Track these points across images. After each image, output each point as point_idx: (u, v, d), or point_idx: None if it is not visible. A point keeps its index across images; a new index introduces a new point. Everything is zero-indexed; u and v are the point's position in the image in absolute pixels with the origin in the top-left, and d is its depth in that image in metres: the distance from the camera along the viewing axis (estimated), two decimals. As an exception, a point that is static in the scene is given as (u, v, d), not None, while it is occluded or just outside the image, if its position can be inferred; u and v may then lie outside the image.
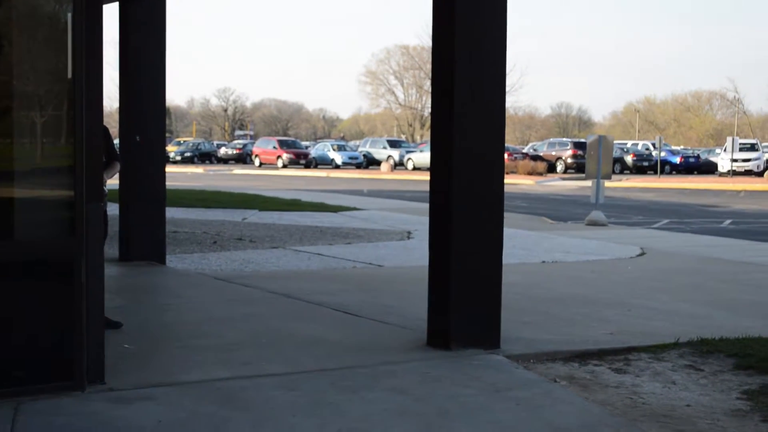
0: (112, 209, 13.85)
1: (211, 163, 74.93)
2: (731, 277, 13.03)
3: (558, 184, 47.83)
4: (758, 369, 7.39)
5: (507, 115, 8.43)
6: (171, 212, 16.55)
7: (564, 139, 70.92)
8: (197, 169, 61.12)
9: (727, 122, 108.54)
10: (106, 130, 7.83)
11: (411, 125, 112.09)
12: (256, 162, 68.82)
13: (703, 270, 13.84)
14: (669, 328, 8.91)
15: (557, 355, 7.81)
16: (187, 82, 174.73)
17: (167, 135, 70.50)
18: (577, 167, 55.80)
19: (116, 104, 15.85)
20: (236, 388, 6.46)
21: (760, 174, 52.76)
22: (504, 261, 8.11)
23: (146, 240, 12.63)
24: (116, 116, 13.84)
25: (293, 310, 9.49)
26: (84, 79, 6.23)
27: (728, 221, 24.94)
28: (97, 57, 6.38)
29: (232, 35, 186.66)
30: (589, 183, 24.08)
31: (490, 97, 7.89)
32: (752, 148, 57.75)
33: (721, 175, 55.06)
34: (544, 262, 14.46)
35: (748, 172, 54.64)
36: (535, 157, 59.21)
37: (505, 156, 58.96)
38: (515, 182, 46.31)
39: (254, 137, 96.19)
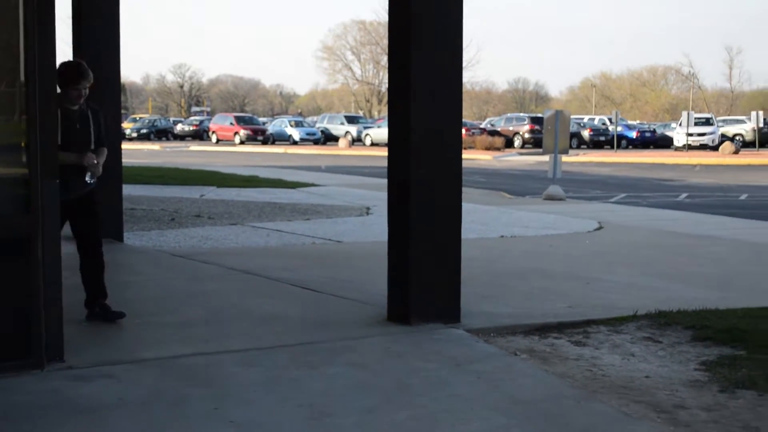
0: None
1: (168, 139, 74.42)
2: (688, 250, 13.16)
3: (516, 159, 48.00)
4: (715, 340, 7.47)
5: (464, 90, 8.44)
6: (128, 189, 16.40)
7: (521, 114, 71.16)
8: (154, 146, 60.67)
9: (682, 97, 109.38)
10: (97, 112, 7.80)
11: (368, 101, 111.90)
12: (213, 138, 68.47)
13: (660, 243, 13.96)
14: (627, 301, 8.98)
15: (517, 328, 7.85)
16: (143, 58, 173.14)
17: (123, 112, 69.53)
18: (535, 142, 55.95)
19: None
20: (197, 365, 6.43)
21: (715, 148, 53.23)
22: (463, 236, 8.12)
23: (103, 217, 12.47)
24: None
25: (253, 287, 9.46)
26: (37, 56, 6.14)
27: (684, 195, 25.17)
28: (49, 33, 6.29)
29: (187, 10, 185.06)
30: (546, 158, 24.19)
31: (447, 73, 7.87)
32: (707, 122, 58.19)
33: (677, 149, 55.48)
34: (502, 236, 14.52)
35: (703, 147, 55.11)
36: (493, 133, 59.38)
37: (463, 131, 59.46)
38: (473, 157, 46.41)
39: (211, 114, 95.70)
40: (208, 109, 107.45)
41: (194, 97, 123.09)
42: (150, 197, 19.29)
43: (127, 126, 72.69)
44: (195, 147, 60.05)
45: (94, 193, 7.77)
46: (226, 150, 56.68)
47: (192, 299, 8.74)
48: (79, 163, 7.44)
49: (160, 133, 75.71)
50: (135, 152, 47.47)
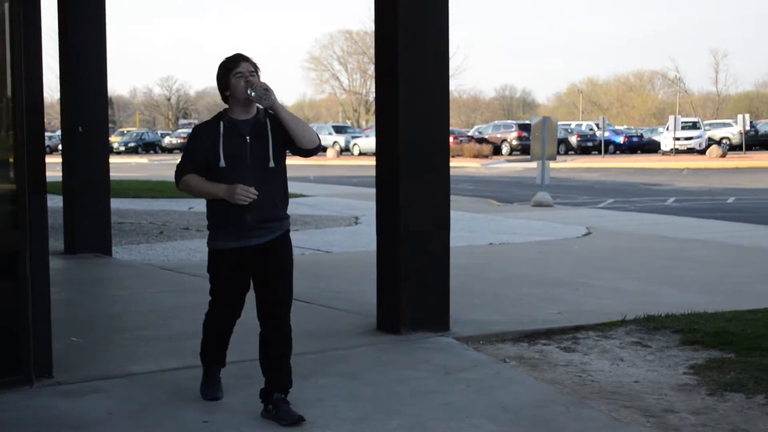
0: (56, 201, 13.73)
1: (156, 153, 74.31)
2: (676, 254, 13.20)
3: (503, 166, 48.05)
4: (704, 344, 7.50)
5: (451, 98, 8.47)
6: (116, 203, 16.42)
7: (509, 121, 71.18)
8: (142, 159, 60.61)
9: (669, 101, 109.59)
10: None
11: (356, 110, 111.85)
12: (201, 151, 68.33)
13: (648, 248, 14.00)
14: (616, 306, 9.00)
15: (506, 335, 7.87)
16: (129, 71, 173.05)
17: (110, 125, 69.67)
18: (522, 149, 55.98)
19: (57, 95, 15.67)
20: (186, 378, 6.43)
21: (702, 152, 53.33)
22: (452, 244, 8.14)
23: (91, 232, 12.51)
24: (57, 107, 13.67)
25: (242, 299, 9.44)
26: (23, 71, 6.15)
27: (672, 199, 25.23)
28: (35, 47, 6.30)
29: (174, 22, 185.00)
30: (534, 164, 24.22)
31: (434, 81, 7.90)
32: (694, 126, 58.32)
33: (664, 153, 55.57)
34: (491, 244, 14.54)
35: (690, 150, 55.19)
36: (481, 140, 59.37)
37: (451, 139, 59.07)
38: (461, 165, 46.44)
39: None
40: (196, 122, 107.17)
41: (182, 109, 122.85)
42: (138, 211, 19.28)
43: (115, 140, 72.55)
44: (183, 159, 59.95)
45: (285, 240, 5.65)
46: (215, 162, 56.55)
47: (181, 313, 8.73)
48: (229, 199, 5.39)
49: (147, 147, 75.60)
50: (123, 166, 47.42)
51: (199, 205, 20.51)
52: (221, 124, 5.49)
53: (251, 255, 5.54)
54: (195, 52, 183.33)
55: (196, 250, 13.39)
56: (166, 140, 77.60)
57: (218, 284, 5.78)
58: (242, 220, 5.45)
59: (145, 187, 25.84)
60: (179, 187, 5.57)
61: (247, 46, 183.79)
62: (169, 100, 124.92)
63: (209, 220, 5.63)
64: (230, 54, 5.59)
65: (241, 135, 5.45)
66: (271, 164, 5.48)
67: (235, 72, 5.46)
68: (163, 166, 50.34)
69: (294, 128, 5.45)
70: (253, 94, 5.38)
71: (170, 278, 10.84)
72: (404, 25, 7.69)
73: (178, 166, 5.53)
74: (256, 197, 5.36)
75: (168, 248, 13.59)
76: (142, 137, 78.07)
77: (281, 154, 5.57)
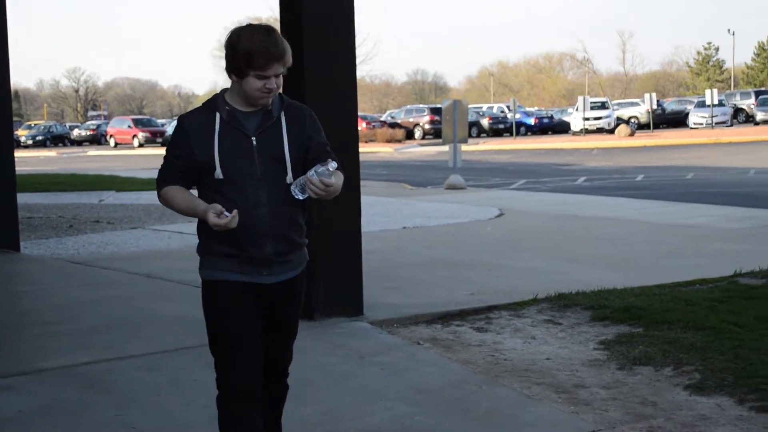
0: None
1: (65, 145, 73.02)
2: (586, 233, 13.39)
3: (417, 151, 48.24)
4: (613, 319, 7.63)
5: (363, 83, 8.50)
6: (24, 198, 16.11)
7: (421, 105, 71.44)
8: (50, 153, 59.52)
9: (578, 82, 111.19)
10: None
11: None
12: (112, 142, 67.43)
13: (559, 227, 14.18)
14: (528, 286, 9.10)
15: (420, 318, 7.91)
16: (35, 63, 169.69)
17: (17, 119, 67.81)
18: (435, 133, 56.13)
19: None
20: (98, 372, 6.36)
21: (611, 131, 54.17)
22: (365, 229, 8.16)
23: (-1, 227, 12.25)
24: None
25: (154, 290, 9.37)
26: None
27: (582, 179, 25.59)
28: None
29: (78, 12, 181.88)
30: (446, 148, 24.35)
31: (341, 67, 7.88)
32: (603, 106, 59.17)
33: (575, 134, 56.31)
34: (405, 227, 14.59)
35: (599, 130, 56.00)
36: (393, 125, 59.52)
37: (364, 125, 58.95)
38: (374, 150, 46.51)
39: (108, 117, 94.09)
40: (105, 113, 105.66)
41: (90, 101, 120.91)
42: (47, 205, 18.94)
43: (22, 133, 71.17)
44: (93, 152, 59.08)
45: (300, 280, 4.27)
46: (125, 153, 55.86)
47: (92, 306, 8.61)
48: (207, 220, 3.86)
49: (56, 139, 74.25)
50: (31, 159, 46.53)
51: (110, 198, 20.23)
52: (218, 116, 3.99)
53: (263, 295, 4.08)
54: (102, 42, 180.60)
55: (107, 242, 13.21)
56: (75, 132, 76.27)
57: (224, 330, 4.03)
58: (259, 250, 3.96)
59: (54, 181, 25.37)
60: (160, 201, 4.10)
61: (155, 35, 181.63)
62: (77, 91, 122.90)
63: (203, 244, 4.08)
64: (253, 27, 3.95)
65: (245, 134, 3.97)
66: (289, 178, 3.98)
67: (258, 74, 3.89)
68: (73, 159, 49.55)
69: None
70: (297, 190, 3.92)
71: (81, 271, 10.68)
72: (309, 12, 7.66)
73: (158, 173, 4.08)
74: (234, 226, 3.83)
75: (78, 242, 13.38)
76: (50, 130, 76.63)
77: (299, 163, 4.05)
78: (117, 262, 11.21)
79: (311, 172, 3.83)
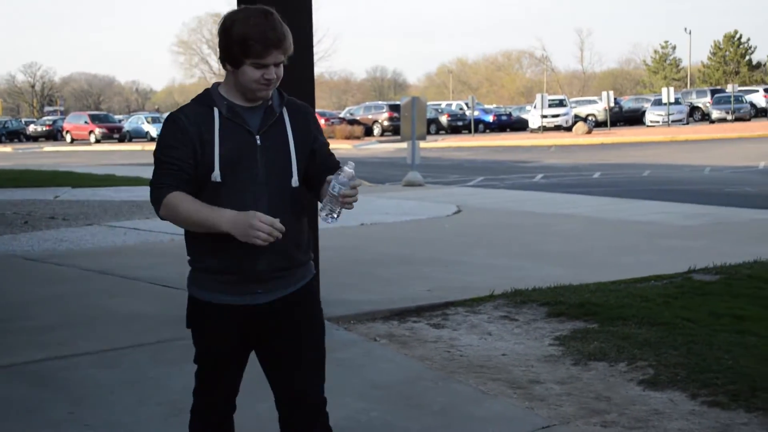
0: None
1: (20, 141, 72.31)
2: (543, 229, 13.46)
3: (375, 147, 48.25)
4: (569, 315, 7.67)
5: (322, 80, 8.45)
6: (-23, 194, 15.90)
7: (380, 102, 71.46)
8: (5, 149, 58.86)
9: (536, 80, 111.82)
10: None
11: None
12: (68, 138, 66.81)
13: (517, 224, 14.24)
14: (485, 282, 9.13)
15: (377, 314, 7.91)
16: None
17: (-29, 114, 66.87)
18: (394, 130, 56.15)
19: None
20: (51, 369, 6.30)
21: (569, 129, 54.50)
22: (322, 225, 8.12)
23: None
24: None
25: (109, 287, 9.30)
26: None
27: (540, 176, 25.71)
28: None
29: (35, 6, 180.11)
30: (405, 145, 24.38)
31: (297, 64, 7.85)
32: (560, 104, 59.50)
33: (533, 131, 56.57)
34: (362, 224, 14.57)
35: (557, 128, 56.33)
36: (352, 122, 59.49)
37: (323, 121, 58.58)
38: (333, 147, 45.30)
39: (65, 113, 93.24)
40: (62, 109, 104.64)
41: (47, 96, 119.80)
42: (1, 201, 18.73)
43: (-24, 129, 70.45)
44: (49, 148, 58.48)
45: (310, 291, 3.78)
46: (82, 149, 55.36)
47: (46, 303, 8.53)
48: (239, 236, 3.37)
49: (11, 135, 73.51)
50: (-14, 155, 46.04)
51: (65, 194, 20.06)
52: (216, 111, 3.52)
53: (257, 317, 3.65)
54: (59, 36, 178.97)
55: (62, 239, 13.09)
56: (31, 128, 75.58)
57: (207, 351, 3.87)
58: (252, 267, 3.54)
59: (8, 177, 25.11)
60: (161, 214, 3.52)
61: (113, 30, 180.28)
62: (33, 87, 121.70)
63: (192, 257, 3.76)
64: (249, 10, 3.50)
65: (248, 131, 3.52)
66: (294, 181, 3.58)
67: (255, 62, 3.46)
68: (28, 155, 49.10)
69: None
70: (329, 217, 3.50)
71: (35, 268, 10.57)
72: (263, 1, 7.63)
73: (153, 180, 3.50)
74: (280, 236, 3.36)
75: (33, 238, 13.24)
76: (6, 125, 75.85)
77: (304, 166, 3.63)
78: (72, 259, 11.11)
79: (335, 188, 3.36)
